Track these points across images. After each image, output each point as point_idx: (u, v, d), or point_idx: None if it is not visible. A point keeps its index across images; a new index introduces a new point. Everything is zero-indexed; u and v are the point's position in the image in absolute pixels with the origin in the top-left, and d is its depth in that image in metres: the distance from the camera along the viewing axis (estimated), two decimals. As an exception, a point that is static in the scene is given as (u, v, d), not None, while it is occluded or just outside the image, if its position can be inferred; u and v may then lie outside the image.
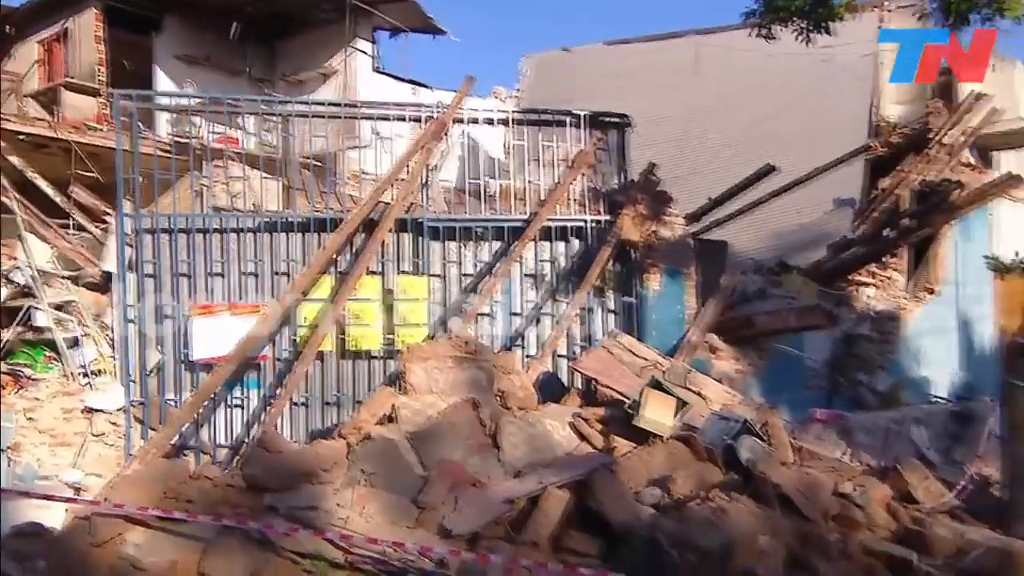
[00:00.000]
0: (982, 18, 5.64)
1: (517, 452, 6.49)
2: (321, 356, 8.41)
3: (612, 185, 9.55)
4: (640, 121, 10.08)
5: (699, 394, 7.70)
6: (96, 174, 11.94)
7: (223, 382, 8.04)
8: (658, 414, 6.79)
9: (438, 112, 9.02)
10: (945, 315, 12.92)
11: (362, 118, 9.70)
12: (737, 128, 13.92)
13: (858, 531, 5.73)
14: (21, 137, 12.25)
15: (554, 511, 5.41)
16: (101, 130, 13.31)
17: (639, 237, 9.11)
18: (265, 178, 9.08)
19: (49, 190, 11.27)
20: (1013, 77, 13.30)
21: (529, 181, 9.49)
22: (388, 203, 8.62)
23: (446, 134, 9.16)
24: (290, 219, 8.62)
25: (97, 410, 8.13)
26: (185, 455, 8.18)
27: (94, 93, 14.69)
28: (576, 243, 9.24)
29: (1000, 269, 7.16)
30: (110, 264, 8.55)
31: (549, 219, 9.03)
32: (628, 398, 7.15)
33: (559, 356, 9.01)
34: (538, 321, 9.09)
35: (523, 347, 9.00)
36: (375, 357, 8.60)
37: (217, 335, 8.08)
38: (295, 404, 8.41)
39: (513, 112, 10.21)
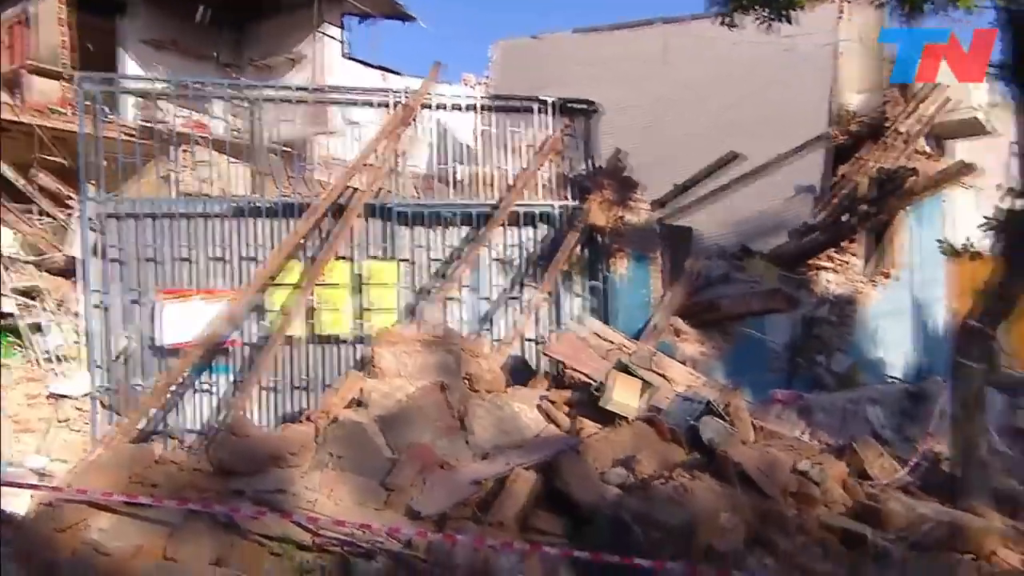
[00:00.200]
0: (936, 9, 5.68)
1: (485, 434, 6.48)
2: (291, 341, 8.29)
3: (580, 171, 9.51)
4: (608, 109, 10.04)
5: (664, 376, 7.74)
6: (62, 159, 11.60)
7: (192, 367, 7.90)
8: (624, 396, 6.82)
9: (406, 98, 8.90)
10: (901, 298, 13.17)
11: (330, 103, 9.54)
12: (703, 116, 13.94)
13: (815, 507, 5.82)
14: (-18, 121, 11.86)
15: (521, 492, 5.41)
16: (66, 114, 12.93)
17: (606, 222, 9.10)
18: (233, 163, 8.88)
19: (12, 175, 10.93)
20: (966, 68, 13.46)
21: (498, 167, 9.42)
22: (357, 189, 8.50)
23: (414, 120, 9.04)
24: (258, 204, 8.46)
25: (63, 396, 7.95)
26: (154, 440, 8.02)
27: (58, 77, 14.24)
28: (544, 228, 9.20)
29: (952, 253, 7.27)
30: (75, 249, 8.33)
31: (518, 204, 8.97)
32: (595, 381, 7.17)
33: (527, 340, 8.99)
34: (507, 305, 9.05)
35: (492, 331, 8.96)
36: (345, 342, 8.50)
37: (185, 320, 7.92)
38: (265, 389, 8.29)
39: (482, 98, 10.11)
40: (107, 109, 9.86)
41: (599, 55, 15.49)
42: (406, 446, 6.05)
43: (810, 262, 11.86)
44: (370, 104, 9.15)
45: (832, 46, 13.93)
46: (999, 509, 6.01)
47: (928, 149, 14.17)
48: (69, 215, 9.83)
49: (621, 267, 9.26)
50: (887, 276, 12.87)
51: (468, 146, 10.61)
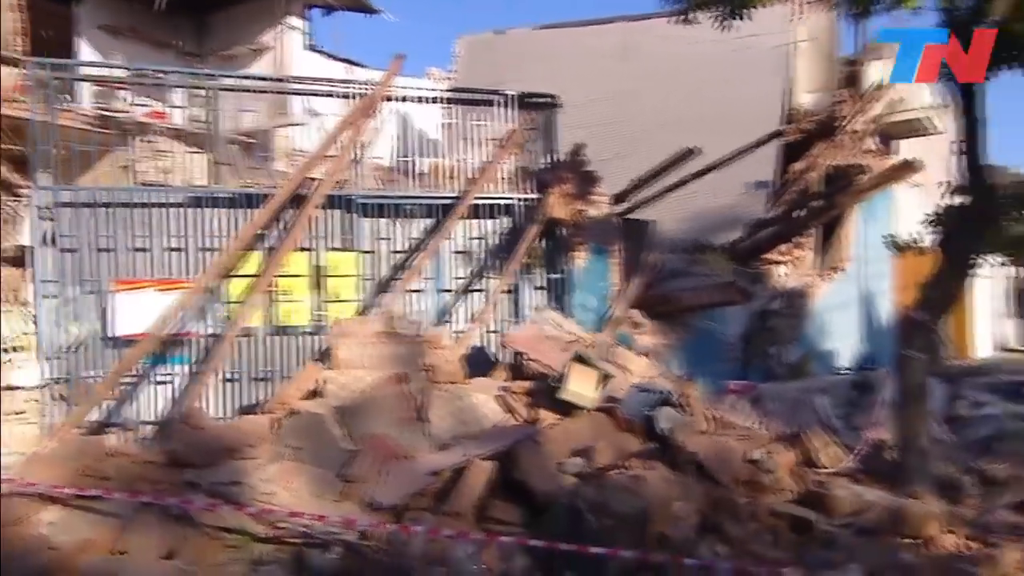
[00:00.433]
0: (884, 9, 5.73)
1: (444, 425, 6.40)
2: (250, 332, 8.10)
3: (540, 165, 9.46)
4: (570, 104, 9.99)
5: (622, 367, 7.74)
6: (19, 147, 11.13)
7: (149, 358, 7.67)
8: (581, 387, 6.79)
9: (368, 89, 8.74)
10: (850, 291, 13.42)
11: (291, 93, 9.32)
12: (662, 113, 14.01)
13: (765, 494, 5.87)
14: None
15: (477, 482, 5.35)
16: (24, 102, 12.41)
17: (566, 215, 9.07)
18: (191, 152, 8.63)
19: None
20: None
21: (460, 159, 9.32)
22: (318, 179, 8.32)
23: (376, 111, 8.89)
24: (216, 194, 8.23)
25: (15, 387, 7.65)
26: (110, 432, 7.77)
27: (13, 63, 13.69)
28: (505, 221, 9.13)
29: (897, 248, 7.40)
30: (27, 238, 8.01)
31: (479, 197, 8.89)
32: (554, 372, 7.13)
33: (488, 331, 8.93)
34: (467, 297, 8.97)
35: (452, 322, 8.88)
36: (305, 333, 8.33)
37: (140, 311, 7.67)
38: (225, 380, 8.09)
39: (444, 91, 9.99)
40: (67, 97, 9.50)
41: (561, 51, 15.47)
42: (364, 437, 5.94)
43: (764, 256, 12.00)
44: (332, 95, 8.96)
45: (787, 47, 14.10)
46: (939, 494, 6.13)
47: (877, 148, 14.44)
48: (25, 205, 9.44)
49: (581, 260, 9.25)
50: (837, 270, 13.10)
51: (433, 139, 10.49)
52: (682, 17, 6.70)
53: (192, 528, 4.79)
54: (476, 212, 8.99)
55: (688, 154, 10.83)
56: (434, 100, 9.38)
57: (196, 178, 8.77)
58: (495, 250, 9.08)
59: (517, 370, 7.86)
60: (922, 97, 14.46)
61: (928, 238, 7.06)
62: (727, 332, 10.91)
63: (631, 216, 10.91)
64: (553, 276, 9.14)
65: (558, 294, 9.09)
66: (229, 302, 8.04)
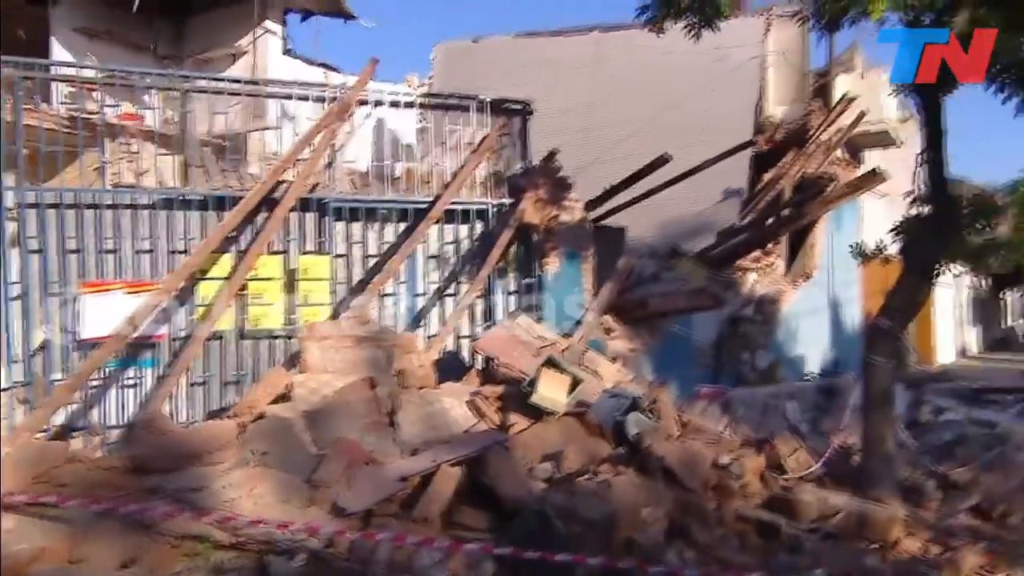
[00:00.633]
0: (850, 21, 5.73)
1: (414, 430, 6.27)
2: (221, 335, 7.92)
3: (515, 170, 9.38)
4: (545, 112, 9.95)
5: (594, 372, 7.67)
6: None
7: (117, 361, 7.45)
8: (552, 392, 6.70)
9: (342, 93, 8.61)
10: (818, 298, 13.50)
11: (266, 96, 9.15)
12: (636, 121, 14.02)
13: (733, 499, 5.82)
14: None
15: (446, 488, 5.23)
16: (-2, 102, 12.09)
17: (540, 221, 9.00)
18: (162, 154, 8.43)
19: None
20: (877, 83, 13.93)
21: (435, 164, 9.22)
22: (290, 182, 8.17)
23: (350, 115, 8.76)
24: (187, 196, 8.04)
25: (-23, 392, 7.38)
26: (75, 437, 7.54)
27: (-14, 63, 13.36)
28: (479, 226, 9.04)
29: (863, 256, 7.43)
30: (-8, 240, 7.75)
31: (453, 202, 8.78)
32: (526, 376, 7.03)
33: (460, 336, 8.82)
34: (440, 301, 8.86)
35: (425, 327, 8.76)
36: (277, 336, 8.16)
37: (109, 314, 7.45)
38: (194, 384, 7.90)
39: (419, 96, 9.88)
40: (38, 98, 9.25)
41: (537, 59, 15.46)
42: (332, 442, 5.79)
43: (736, 263, 12.03)
44: (307, 99, 8.82)
45: (759, 59, 14.20)
46: (903, 499, 6.13)
47: (845, 158, 14.58)
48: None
49: (554, 265, 9.17)
50: (806, 277, 13.17)
51: (409, 144, 10.37)
52: (655, 26, 6.66)
53: (152, 536, 4.61)
54: (450, 217, 8.89)
55: (661, 162, 10.84)
56: (409, 105, 9.27)
57: (168, 180, 8.56)
58: (468, 255, 8.98)
59: (489, 375, 7.75)
60: (888, 110, 14.64)
61: (895, 247, 7.09)
62: (699, 338, 10.91)
63: (605, 223, 10.88)
64: (526, 281, 9.05)
65: (531, 299, 9.00)
66: (199, 305, 7.85)
